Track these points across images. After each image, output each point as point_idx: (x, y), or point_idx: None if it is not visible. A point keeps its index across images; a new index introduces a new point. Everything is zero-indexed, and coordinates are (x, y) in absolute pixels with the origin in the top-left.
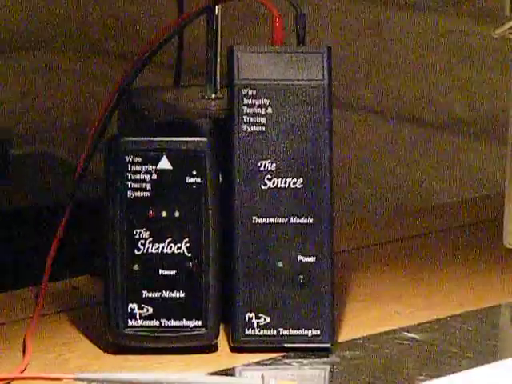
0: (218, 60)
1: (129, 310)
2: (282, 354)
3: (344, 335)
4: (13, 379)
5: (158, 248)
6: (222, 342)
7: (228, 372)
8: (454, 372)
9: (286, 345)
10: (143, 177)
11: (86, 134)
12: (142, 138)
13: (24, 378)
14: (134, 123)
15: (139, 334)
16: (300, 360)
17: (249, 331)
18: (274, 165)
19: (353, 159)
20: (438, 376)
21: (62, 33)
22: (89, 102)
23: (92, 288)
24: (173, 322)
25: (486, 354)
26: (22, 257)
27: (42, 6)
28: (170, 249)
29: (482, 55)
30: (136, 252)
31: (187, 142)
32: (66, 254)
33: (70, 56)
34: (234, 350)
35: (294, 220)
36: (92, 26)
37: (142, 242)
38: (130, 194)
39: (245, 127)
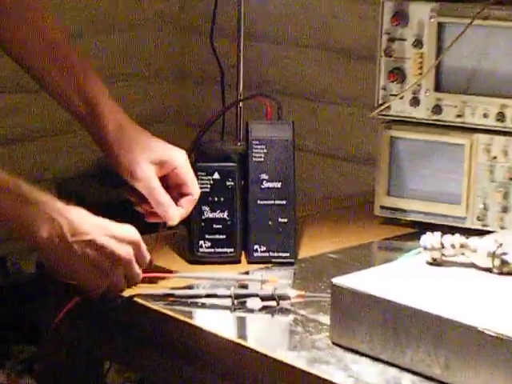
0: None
1: (199, 243)
2: (270, 264)
3: (301, 255)
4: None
5: (213, 214)
6: (243, 259)
7: (246, 272)
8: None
9: (272, 260)
10: (206, 181)
11: None
12: (206, 164)
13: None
14: (202, 158)
15: (204, 254)
16: (279, 267)
17: (255, 254)
18: (267, 176)
19: None
20: (347, 274)
21: None
22: None
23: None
24: (220, 250)
25: (371, 265)
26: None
27: None
28: (218, 214)
29: None
30: (203, 216)
31: (227, 165)
32: None
33: None
34: (249, 263)
35: (276, 202)
36: None
37: (206, 211)
38: (200, 189)
39: (254, 159)
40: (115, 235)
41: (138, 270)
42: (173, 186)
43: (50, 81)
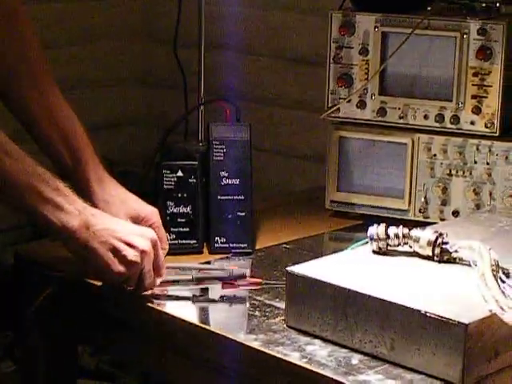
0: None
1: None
2: (230, 255)
3: (258, 246)
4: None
5: (177, 209)
6: (205, 250)
7: (208, 262)
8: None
9: (232, 250)
10: (170, 179)
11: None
12: (170, 162)
13: None
14: (167, 157)
15: (169, 246)
16: (239, 257)
17: (216, 245)
18: (227, 173)
19: None
20: (300, 263)
21: None
22: None
23: None
24: (184, 241)
25: (322, 254)
26: None
27: None
28: (182, 209)
29: None
30: (167, 211)
31: (189, 164)
32: None
33: None
34: (210, 253)
35: (235, 197)
36: None
37: (170, 206)
38: (165, 186)
39: (214, 157)
40: (136, 231)
41: (152, 271)
42: None
43: (39, 130)
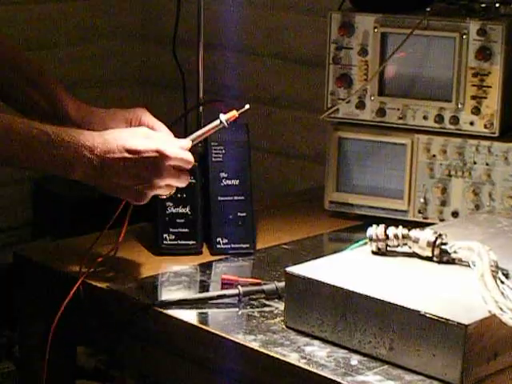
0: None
1: (164, 236)
2: (230, 255)
3: (258, 246)
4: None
5: (176, 210)
6: (205, 251)
7: (208, 263)
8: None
9: (234, 251)
10: None
11: None
12: None
13: None
14: None
15: (168, 247)
16: (240, 258)
17: (218, 246)
18: (226, 174)
19: None
20: (299, 263)
21: None
22: None
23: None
24: (183, 242)
25: (321, 254)
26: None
27: None
28: (181, 210)
29: None
30: (167, 211)
31: None
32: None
33: None
34: (211, 254)
35: (235, 198)
36: None
37: (169, 206)
38: None
39: (213, 159)
40: (138, 134)
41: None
42: None
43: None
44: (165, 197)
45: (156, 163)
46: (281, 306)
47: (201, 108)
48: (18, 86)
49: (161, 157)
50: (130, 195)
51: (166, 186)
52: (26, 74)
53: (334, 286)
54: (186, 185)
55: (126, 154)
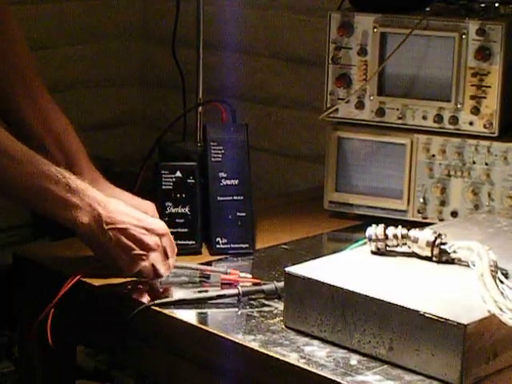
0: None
1: None
2: (230, 255)
3: (257, 246)
4: None
5: (175, 210)
6: (205, 251)
7: (207, 262)
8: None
9: (234, 251)
10: (169, 179)
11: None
12: (168, 163)
13: None
14: (165, 157)
15: None
16: (240, 257)
17: (217, 246)
18: (225, 174)
19: None
20: (299, 263)
21: None
22: None
23: None
24: (182, 242)
25: (320, 254)
26: None
27: None
28: (181, 210)
29: None
30: (166, 211)
31: (188, 164)
32: None
33: None
34: (211, 254)
35: (235, 198)
36: None
37: (169, 206)
38: (163, 187)
39: (213, 158)
40: (146, 227)
41: (165, 259)
42: None
43: (34, 136)
44: (145, 279)
45: (157, 237)
46: (280, 305)
47: (200, 108)
48: (43, 140)
49: (162, 235)
50: (122, 260)
51: (152, 265)
52: (52, 132)
53: (333, 285)
54: (165, 274)
55: (135, 221)
